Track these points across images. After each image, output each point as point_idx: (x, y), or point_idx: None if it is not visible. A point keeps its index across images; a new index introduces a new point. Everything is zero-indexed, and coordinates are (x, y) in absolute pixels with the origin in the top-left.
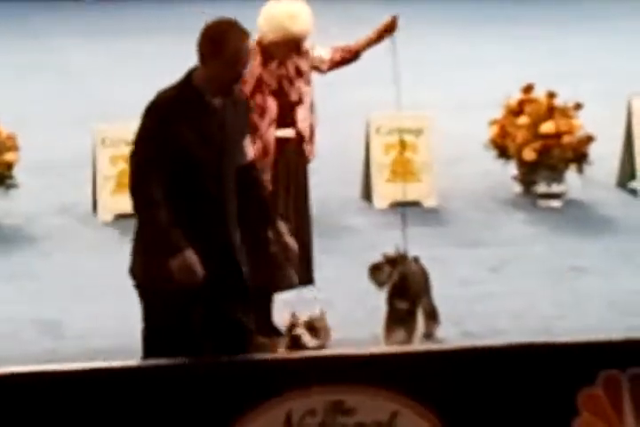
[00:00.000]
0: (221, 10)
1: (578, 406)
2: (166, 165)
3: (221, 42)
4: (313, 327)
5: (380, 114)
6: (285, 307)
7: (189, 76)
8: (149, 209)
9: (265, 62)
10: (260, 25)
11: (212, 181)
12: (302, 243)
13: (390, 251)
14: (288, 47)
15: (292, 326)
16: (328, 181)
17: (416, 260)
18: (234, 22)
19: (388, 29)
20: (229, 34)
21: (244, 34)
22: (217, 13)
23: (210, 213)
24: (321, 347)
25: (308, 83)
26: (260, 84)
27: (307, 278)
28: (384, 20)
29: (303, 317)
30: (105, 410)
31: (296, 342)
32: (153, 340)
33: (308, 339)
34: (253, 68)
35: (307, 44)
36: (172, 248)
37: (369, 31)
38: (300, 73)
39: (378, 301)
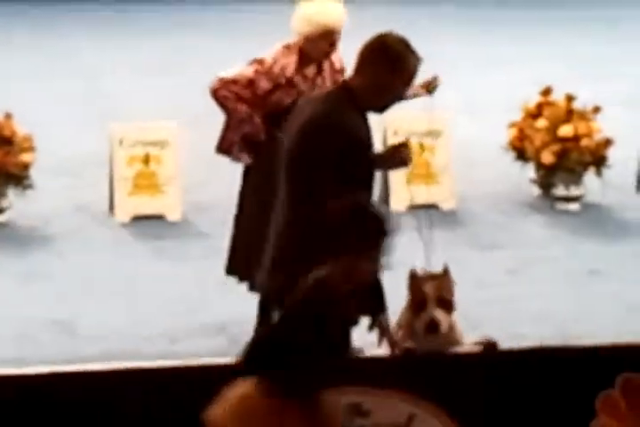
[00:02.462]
0: (241, 11)
1: (596, 409)
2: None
3: (402, 61)
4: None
5: (396, 116)
6: None
7: (349, 87)
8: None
9: (301, 64)
10: (294, 24)
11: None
12: None
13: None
14: (322, 43)
15: None
16: None
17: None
18: (408, 42)
19: (429, 90)
20: (409, 54)
21: (418, 57)
22: (237, 15)
23: None
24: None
25: None
26: (287, 84)
27: None
28: (398, 20)
29: None
30: (121, 411)
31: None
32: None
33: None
34: (287, 65)
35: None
36: None
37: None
38: None
39: (395, 305)
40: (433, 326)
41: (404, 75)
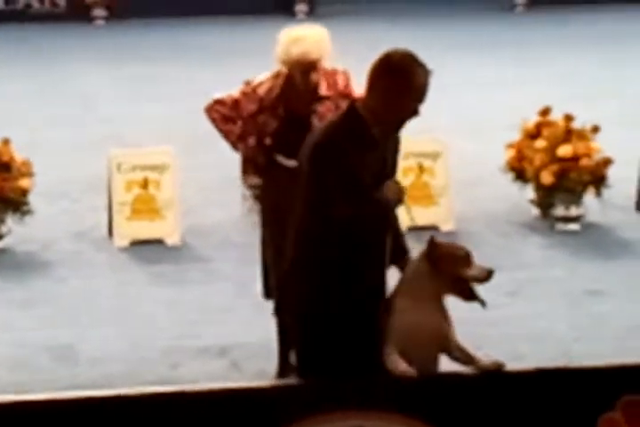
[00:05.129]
0: (236, 34)
1: None
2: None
3: (409, 76)
4: None
5: None
6: None
7: (355, 110)
8: None
9: (285, 89)
10: (276, 51)
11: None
12: None
13: None
14: (299, 71)
15: None
16: None
17: None
18: (416, 57)
19: None
20: (416, 68)
21: (427, 70)
22: (232, 38)
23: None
24: None
25: None
26: (271, 107)
27: None
28: (397, 41)
29: None
30: None
31: None
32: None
33: None
34: (273, 88)
35: None
36: None
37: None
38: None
39: None
40: None
41: (416, 90)
